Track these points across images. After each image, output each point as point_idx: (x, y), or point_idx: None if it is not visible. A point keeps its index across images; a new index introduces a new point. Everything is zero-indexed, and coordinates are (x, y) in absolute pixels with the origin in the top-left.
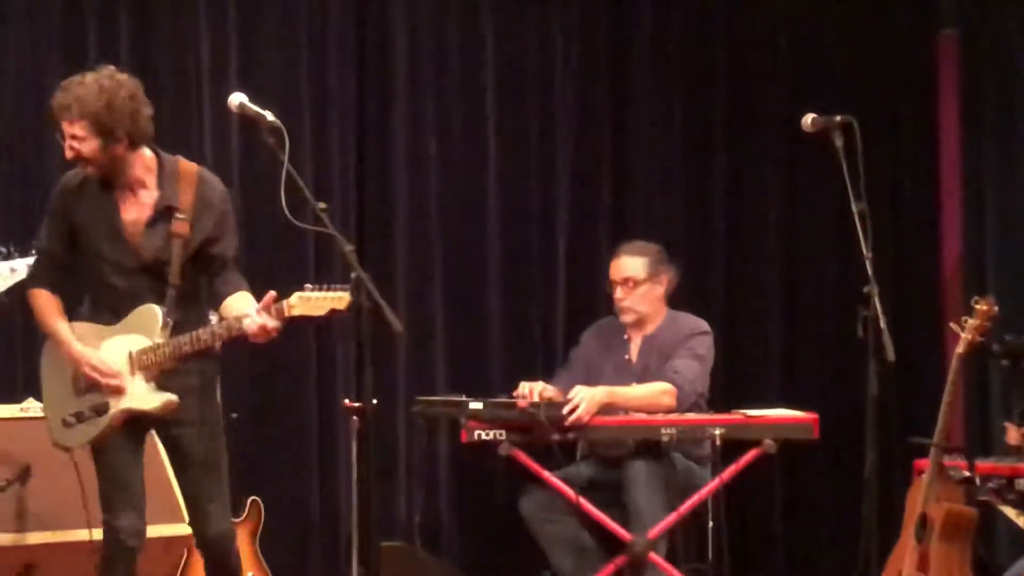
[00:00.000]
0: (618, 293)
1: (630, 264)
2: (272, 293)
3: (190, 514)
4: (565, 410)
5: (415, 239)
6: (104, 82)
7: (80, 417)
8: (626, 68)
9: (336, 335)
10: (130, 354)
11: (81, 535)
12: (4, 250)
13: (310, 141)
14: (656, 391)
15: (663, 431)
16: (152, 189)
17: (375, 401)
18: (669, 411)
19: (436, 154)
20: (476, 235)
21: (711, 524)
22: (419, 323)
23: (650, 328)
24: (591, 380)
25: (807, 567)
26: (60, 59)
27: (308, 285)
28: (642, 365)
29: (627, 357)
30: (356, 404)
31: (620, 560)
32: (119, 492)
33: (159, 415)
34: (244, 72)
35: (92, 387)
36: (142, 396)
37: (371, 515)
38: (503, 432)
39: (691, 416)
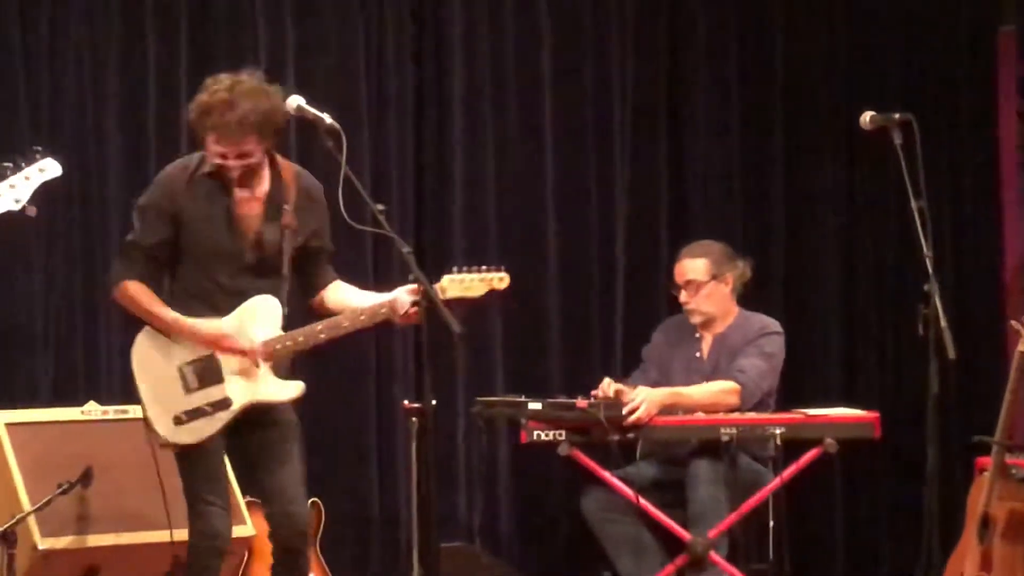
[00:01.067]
0: (682, 296)
1: (691, 266)
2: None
3: (275, 511)
4: (625, 411)
5: (473, 240)
6: (258, 90)
7: (196, 414)
8: (683, 67)
9: (395, 336)
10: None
11: (143, 537)
12: (10, 164)
13: (368, 143)
14: (719, 390)
15: (723, 431)
16: (263, 183)
17: (434, 402)
18: (733, 410)
19: (493, 155)
20: (534, 236)
21: (772, 524)
22: (478, 324)
23: (721, 327)
24: (663, 378)
25: (868, 567)
26: (118, 70)
27: (455, 268)
28: (712, 363)
29: (698, 355)
30: (415, 405)
31: (680, 560)
32: (215, 493)
33: (288, 404)
34: (301, 74)
35: (205, 382)
36: (272, 387)
37: (431, 516)
38: (562, 432)
39: (751, 415)
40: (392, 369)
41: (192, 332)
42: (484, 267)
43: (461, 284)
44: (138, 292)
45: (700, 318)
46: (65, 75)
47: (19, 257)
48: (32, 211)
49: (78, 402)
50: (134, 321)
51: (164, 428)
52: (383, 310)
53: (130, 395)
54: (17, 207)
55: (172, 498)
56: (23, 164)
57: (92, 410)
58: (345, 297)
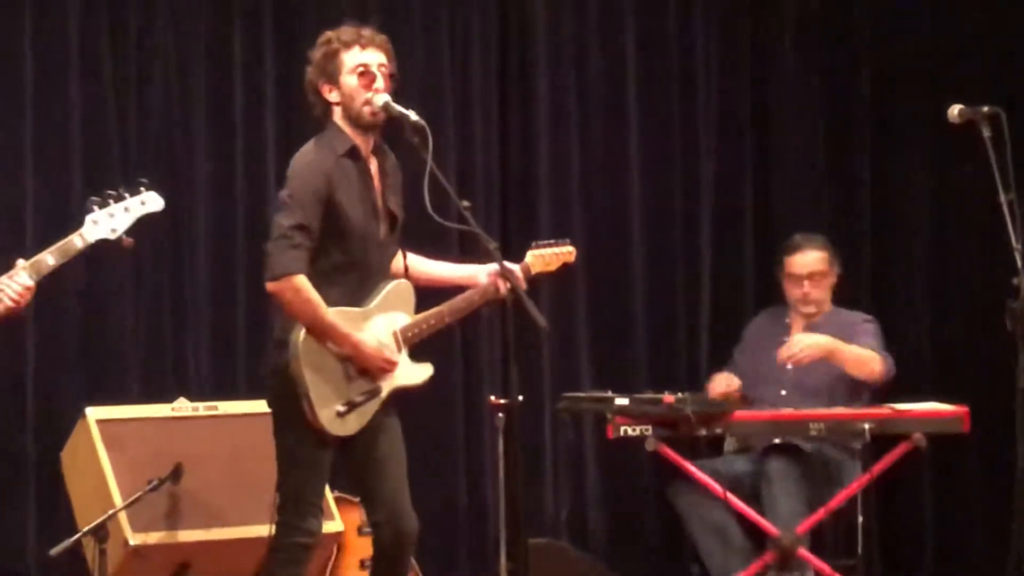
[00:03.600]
0: (805, 287)
1: (816, 257)
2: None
3: (384, 509)
4: (785, 354)
5: (558, 234)
6: None
7: (352, 405)
8: (768, 63)
9: (481, 332)
10: (394, 333)
11: (233, 532)
12: (114, 193)
13: (453, 139)
14: (869, 356)
15: (811, 425)
16: (372, 156)
17: (521, 398)
18: (876, 378)
19: (578, 152)
20: (620, 230)
21: (860, 519)
22: (564, 319)
23: (814, 318)
24: (756, 365)
25: (958, 563)
26: (206, 67)
27: (537, 242)
28: None
29: (786, 339)
30: (502, 401)
31: (768, 556)
32: (318, 493)
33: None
34: None
35: (361, 373)
36: (410, 372)
37: (518, 512)
38: (649, 427)
39: (840, 410)
40: (479, 365)
41: (352, 346)
42: (555, 240)
43: (543, 260)
44: (308, 293)
45: (815, 309)
46: (151, 80)
47: (108, 255)
48: (129, 243)
49: (168, 399)
50: (230, 316)
51: (327, 420)
52: (492, 290)
53: (219, 391)
54: (113, 236)
55: (262, 493)
56: (126, 195)
57: (182, 407)
58: (433, 268)
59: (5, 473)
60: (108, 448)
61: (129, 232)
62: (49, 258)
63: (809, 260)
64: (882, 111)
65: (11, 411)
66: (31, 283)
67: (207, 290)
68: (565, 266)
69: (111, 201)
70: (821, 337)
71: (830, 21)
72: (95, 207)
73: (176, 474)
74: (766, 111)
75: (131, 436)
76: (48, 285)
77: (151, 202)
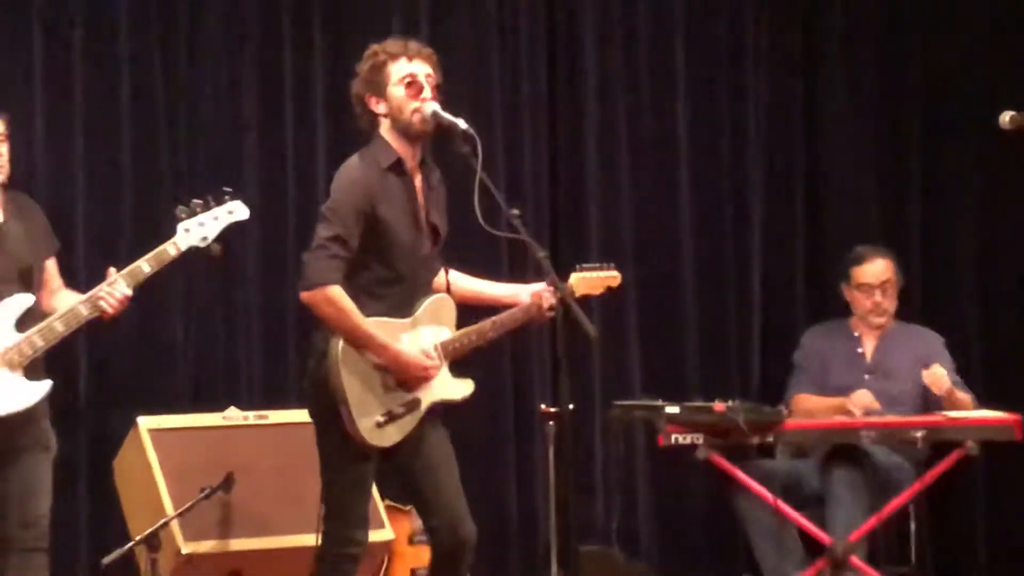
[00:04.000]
0: (877, 296)
1: (885, 266)
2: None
3: (443, 514)
4: (929, 379)
5: (608, 244)
6: None
7: (392, 416)
8: (818, 69)
9: (531, 341)
10: (436, 345)
11: (285, 541)
12: (201, 202)
13: (502, 147)
14: (968, 401)
15: (863, 433)
16: (416, 169)
17: (571, 406)
18: None
19: (627, 158)
20: (670, 239)
21: (913, 527)
22: (614, 327)
23: (883, 328)
24: (824, 375)
25: (1011, 570)
26: (256, 80)
27: (581, 265)
28: (876, 362)
29: (860, 350)
30: (552, 409)
31: (821, 563)
32: (364, 503)
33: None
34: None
35: (400, 384)
36: (450, 386)
37: (569, 520)
38: (700, 436)
39: (892, 418)
40: (529, 373)
41: (390, 356)
42: (600, 264)
43: (587, 283)
44: (345, 303)
45: (886, 319)
46: (202, 99)
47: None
48: (217, 249)
49: (219, 407)
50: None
51: (367, 430)
52: (535, 309)
53: (270, 399)
54: (203, 244)
55: (313, 502)
56: (213, 204)
57: (232, 415)
58: (475, 286)
59: (58, 482)
60: (160, 457)
61: (217, 240)
62: (145, 266)
63: (879, 269)
64: (932, 117)
65: (64, 420)
66: (129, 292)
67: (257, 299)
68: (609, 289)
69: (199, 210)
70: (945, 376)
71: (881, 27)
72: (184, 215)
73: (228, 483)
74: (815, 115)
75: (182, 445)
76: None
77: (238, 211)
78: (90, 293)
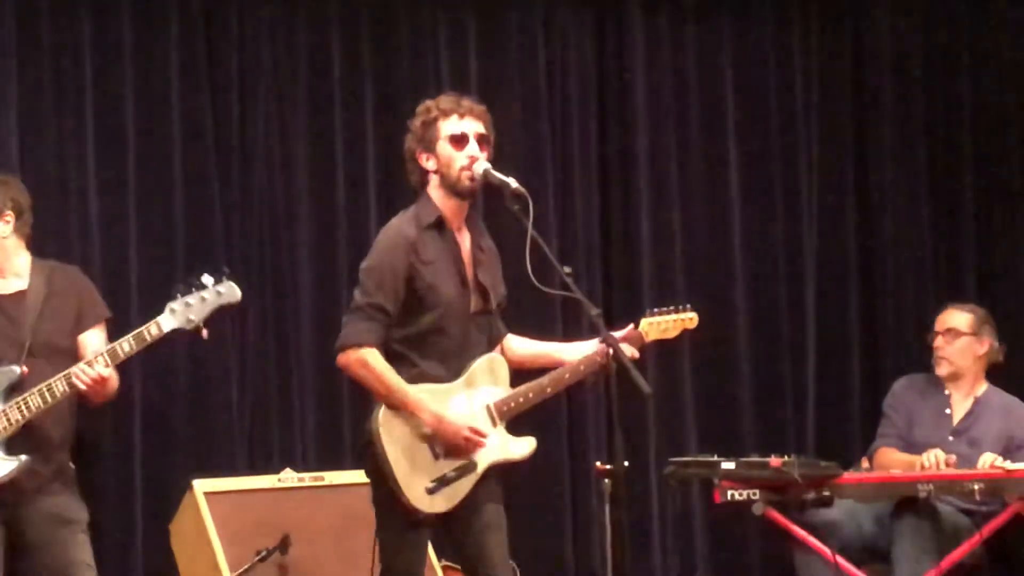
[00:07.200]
0: (937, 342)
1: (956, 316)
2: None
3: None
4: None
5: (661, 299)
6: None
7: (443, 482)
8: (868, 99)
9: (587, 398)
10: (488, 407)
11: None
12: (197, 281)
13: (554, 204)
14: None
15: (920, 487)
16: (464, 229)
17: (626, 463)
18: None
19: (679, 214)
20: (723, 294)
21: None
22: (669, 384)
23: (969, 390)
24: (909, 428)
25: None
26: (307, 137)
27: (652, 310)
28: (964, 425)
29: (947, 411)
30: (608, 467)
31: None
32: (416, 564)
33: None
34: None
35: (452, 450)
36: (509, 446)
37: None
38: (756, 491)
39: (949, 471)
40: (584, 431)
41: (434, 421)
42: (674, 307)
43: (659, 327)
44: (378, 362)
45: (948, 368)
46: (254, 142)
47: (213, 328)
48: (204, 334)
49: (274, 470)
50: (326, 389)
51: (416, 498)
52: (595, 362)
53: (324, 462)
54: (190, 327)
55: (369, 563)
56: (207, 284)
57: (288, 477)
58: (533, 348)
59: (115, 545)
60: (216, 519)
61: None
62: (125, 345)
63: (947, 317)
64: (984, 148)
65: (120, 483)
66: (106, 372)
67: (312, 359)
68: (685, 331)
69: (193, 289)
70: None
71: (930, 57)
72: (178, 295)
73: (284, 545)
74: (867, 166)
75: (238, 507)
76: (155, 356)
77: (228, 293)
78: (68, 370)
